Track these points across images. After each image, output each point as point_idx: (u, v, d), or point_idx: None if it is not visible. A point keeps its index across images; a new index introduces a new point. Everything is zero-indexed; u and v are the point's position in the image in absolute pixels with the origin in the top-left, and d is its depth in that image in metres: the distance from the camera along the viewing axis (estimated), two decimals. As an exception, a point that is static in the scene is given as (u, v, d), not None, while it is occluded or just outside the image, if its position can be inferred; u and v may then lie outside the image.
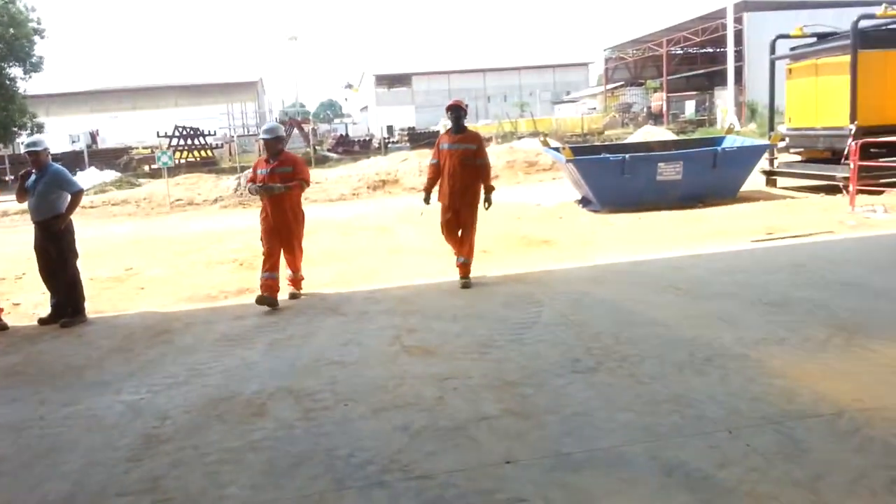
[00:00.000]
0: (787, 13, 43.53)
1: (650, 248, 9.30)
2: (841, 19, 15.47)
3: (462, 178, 7.56)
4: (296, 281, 7.70)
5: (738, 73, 42.59)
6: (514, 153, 27.42)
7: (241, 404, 4.65)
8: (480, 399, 4.46)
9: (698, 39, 49.19)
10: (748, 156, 13.69)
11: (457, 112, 7.64)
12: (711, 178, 13.38)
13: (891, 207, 11.64)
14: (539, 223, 12.39)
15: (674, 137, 25.62)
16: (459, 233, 7.72)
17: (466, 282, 7.60)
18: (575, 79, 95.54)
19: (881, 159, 12.50)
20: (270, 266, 7.26)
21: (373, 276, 8.71)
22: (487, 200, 7.64)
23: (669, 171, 13.28)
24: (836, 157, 15.40)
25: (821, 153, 15.16)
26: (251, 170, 8.05)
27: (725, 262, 8.04)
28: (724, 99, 45.34)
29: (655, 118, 52.71)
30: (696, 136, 36.63)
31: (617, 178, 13.27)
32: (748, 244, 9.12)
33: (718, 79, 51.19)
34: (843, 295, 6.25)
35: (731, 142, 15.11)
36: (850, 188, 11.75)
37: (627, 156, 13.16)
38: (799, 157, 15.69)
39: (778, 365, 4.78)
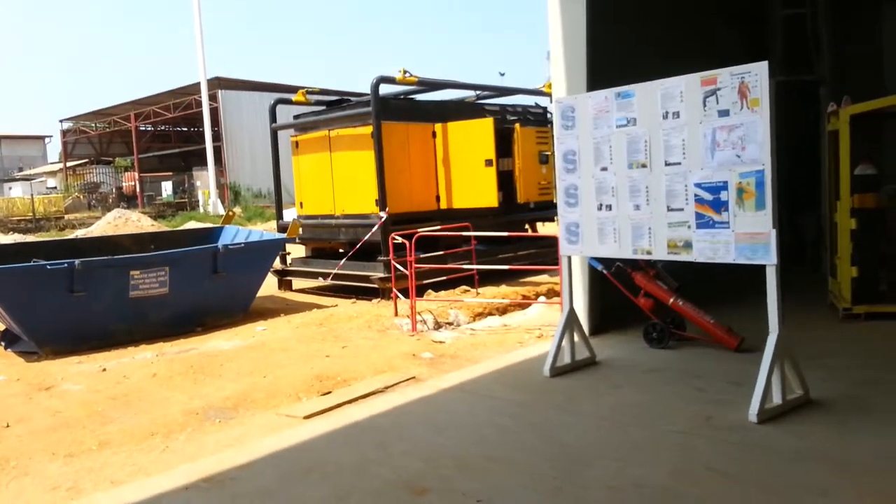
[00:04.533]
0: (262, 94, 42.85)
1: (124, 461, 4.60)
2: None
3: None
4: None
5: (217, 153, 40.01)
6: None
7: None
8: None
9: (171, 115, 45.32)
10: (260, 254, 9.93)
11: None
12: (213, 288, 9.19)
13: (440, 315, 9.14)
14: None
15: (152, 229, 20.71)
16: None
17: None
18: (29, 153, 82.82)
19: (423, 254, 10.10)
20: None
21: None
22: None
23: (150, 283, 8.66)
24: (350, 251, 12.91)
25: (330, 245, 12.45)
26: None
27: (274, 496, 3.89)
28: (203, 180, 42.24)
29: (129, 200, 46.78)
30: (178, 221, 32.34)
31: (62, 298, 8.08)
32: (301, 425, 5.14)
33: (196, 159, 48.12)
34: None
35: (231, 234, 11.21)
36: (408, 302, 8.89)
37: (78, 261, 8.11)
38: (304, 252, 12.74)
39: None
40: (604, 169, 5.74)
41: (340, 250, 13.40)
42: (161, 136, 55.61)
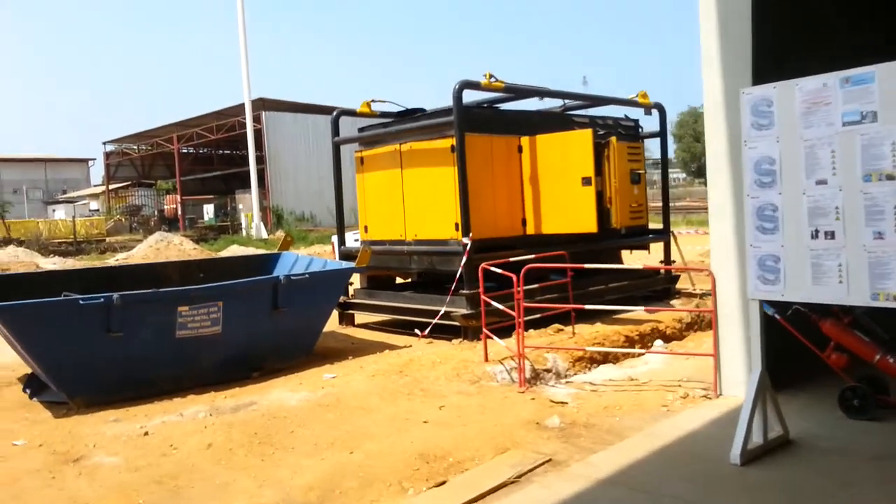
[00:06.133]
0: (306, 116, 42.11)
1: None
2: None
3: None
4: None
5: (260, 175, 39.18)
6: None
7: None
8: None
9: (213, 137, 44.78)
10: (326, 286, 8.53)
11: None
12: (273, 326, 7.81)
13: (535, 361, 7.60)
14: None
15: (195, 253, 19.47)
16: None
17: None
18: (73, 176, 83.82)
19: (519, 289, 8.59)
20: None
21: None
22: None
23: (200, 321, 7.30)
24: (417, 282, 11.58)
25: (387, 274, 11.16)
26: None
27: None
28: (246, 203, 41.44)
29: (170, 223, 46.26)
30: (221, 244, 31.36)
31: (97, 340, 6.76)
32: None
33: (237, 182, 47.52)
34: None
35: (290, 262, 9.85)
36: (498, 344, 7.42)
37: (117, 295, 6.78)
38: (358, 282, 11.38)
39: None
40: (822, 182, 4.21)
41: (398, 280, 12.07)
42: (203, 159, 55.27)
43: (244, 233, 37.86)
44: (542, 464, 4.57)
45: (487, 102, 10.54)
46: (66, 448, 5.51)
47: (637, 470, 4.44)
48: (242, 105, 37.39)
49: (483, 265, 7.94)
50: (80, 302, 6.67)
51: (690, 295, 11.73)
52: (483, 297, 7.86)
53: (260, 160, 39.93)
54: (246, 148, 38.38)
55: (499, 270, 7.65)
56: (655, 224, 12.63)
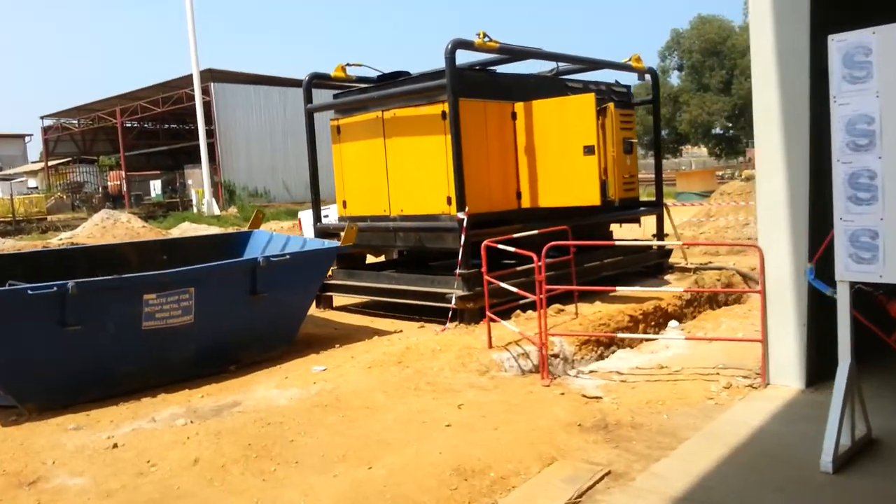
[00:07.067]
0: (257, 88, 40.48)
1: None
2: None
3: None
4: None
5: (210, 150, 37.51)
6: None
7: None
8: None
9: (159, 110, 42.68)
10: (309, 268, 7.66)
11: None
12: (250, 314, 6.94)
13: (527, 351, 6.90)
14: None
15: (144, 231, 18.26)
16: None
17: None
18: (9, 153, 79.83)
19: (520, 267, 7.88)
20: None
21: None
22: None
23: (170, 310, 6.39)
24: (395, 261, 10.90)
25: (360, 252, 10.44)
26: None
27: None
28: (195, 178, 39.75)
29: (115, 200, 44.19)
30: (171, 222, 29.90)
31: (51, 334, 5.82)
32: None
33: (185, 157, 45.60)
34: None
35: (264, 241, 8.93)
36: (502, 328, 6.71)
37: (72, 283, 5.82)
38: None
39: None
40: (936, 143, 3.58)
41: (370, 259, 11.37)
42: (148, 133, 52.84)
43: (195, 209, 36.27)
44: (602, 478, 3.89)
45: (479, 65, 9.73)
46: (18, 466, 4.61)
47: (714, 481, 3.79)
48: (190, 76, 35.59)
49: (486, 242, 7.19)
50: (30, 292, 5.70)
51: (684, 269, 11.23)
52: (486, 277, 7.14)
53: (210, 134, 38.21)
54: (194, 121, 36.68)
55: (512, 249, 6.93)
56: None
